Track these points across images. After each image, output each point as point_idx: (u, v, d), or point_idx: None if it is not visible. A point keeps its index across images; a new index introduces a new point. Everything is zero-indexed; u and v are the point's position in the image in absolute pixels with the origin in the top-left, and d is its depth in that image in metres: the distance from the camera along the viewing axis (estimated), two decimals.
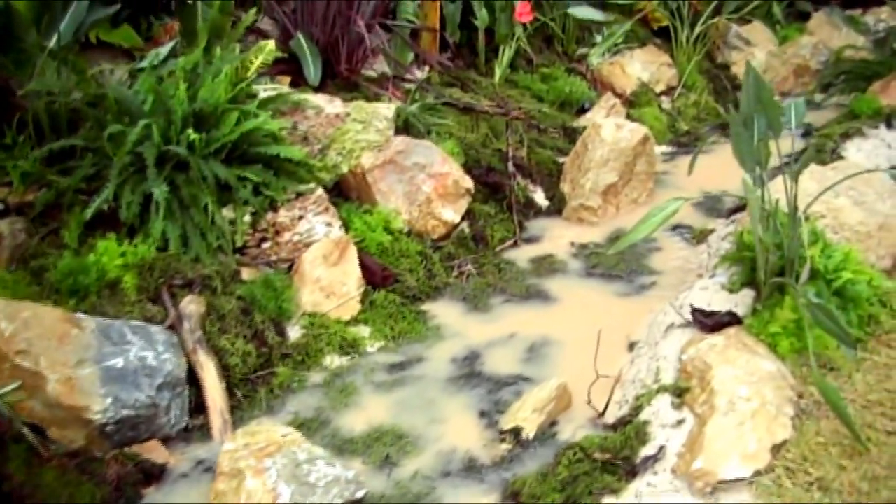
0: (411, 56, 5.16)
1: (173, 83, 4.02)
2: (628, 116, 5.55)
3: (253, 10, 4.53)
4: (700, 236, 4.48)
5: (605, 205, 4.66)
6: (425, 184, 4.30)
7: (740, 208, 4.65)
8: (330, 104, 4.52)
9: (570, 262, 4.34)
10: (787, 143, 5.56)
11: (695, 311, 3.49)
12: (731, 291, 3.78)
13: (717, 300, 3.74)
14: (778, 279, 3.48)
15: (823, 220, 4.09)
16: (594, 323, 3.75)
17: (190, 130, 3.89)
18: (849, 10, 7.07)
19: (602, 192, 4.62)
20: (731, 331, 3.43)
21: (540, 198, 4.83)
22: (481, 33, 5.38)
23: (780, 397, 3.09)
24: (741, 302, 3.71)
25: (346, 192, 4.43)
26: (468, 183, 4.41)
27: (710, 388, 3.09)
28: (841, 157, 5.24)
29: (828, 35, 6.83)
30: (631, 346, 3.69)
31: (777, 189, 4.30)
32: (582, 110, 5.51)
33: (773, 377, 3.16)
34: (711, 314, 3.48)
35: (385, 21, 5.06)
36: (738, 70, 6.55)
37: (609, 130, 4.70)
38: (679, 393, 3.15)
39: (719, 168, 5.35)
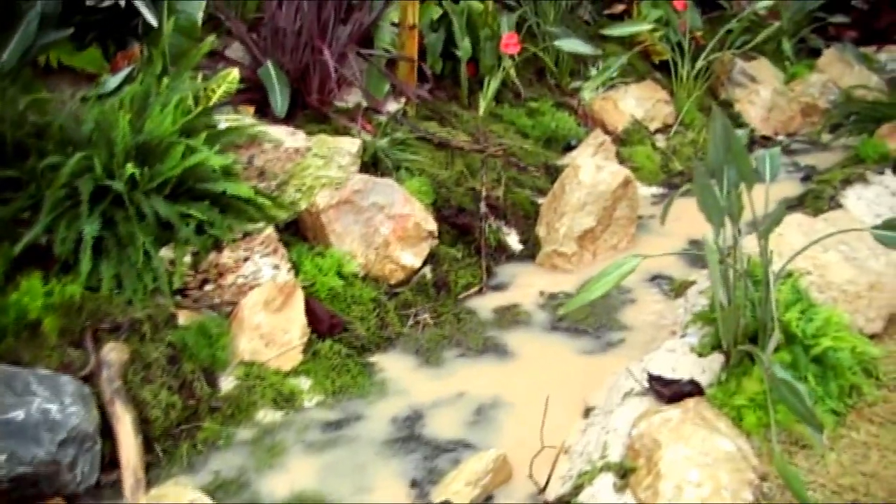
0: (387, 87, 4.87)
1: (121, 113, 3.78)
2: (618, 155, 5.23)
3: (211, 38, 4.28)
4: (679, 289, 4.17)
5: (581, 251, 4.35)
6: (383, 225, 4.02)
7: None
8: (291, 137, 4.25)
9: (536, 314, 4.04)
10: (784, 189, 5.33)
11: (652, 378, 3.18)
12: (701, 355, 3.47)
13: (684, 364, 3.43)
14: (745, 346, 3.15)
15: (809, 277, 3.76)
16: (551, 383, 3.51)
17: (129, 164, 3.63)
18: (863, 48, 6.69)
19: (578, 237, 4.32)
20: (691, 402, 3.12)
21: (514, 241, 4.53)
22: (463, 65, 5.10)
23: (737, 481, 2.77)
24: (709, 368, 3.40)
25: (303, 232, 4.17)
26: (431, 225, 4.12)
27: (657, 471, 2.79)
28: (839, 206, 4.90)
29: (839, 73, 6.48)
30: (587, 412, 3.38)
31: (755, 244, 4.00)
32: (568, 148, 5.21)
33: (731, 458, 2.85)
34: (670, 382, 3.17)
35: (360, 50, 4.79)
36: (742, 108, 6.23)
37: (587, 172, 4.40)
38: (623, 473, 2.85)
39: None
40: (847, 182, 5.02)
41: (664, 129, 5.72)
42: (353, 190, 4.03)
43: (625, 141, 5.43)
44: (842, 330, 3.41)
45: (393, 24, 4.97)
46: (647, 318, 3.98)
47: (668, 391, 3.11)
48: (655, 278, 4.29)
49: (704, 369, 3.37)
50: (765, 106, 6.21)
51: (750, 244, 3.93)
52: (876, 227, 3.14)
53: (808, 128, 6.28)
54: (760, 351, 2.93)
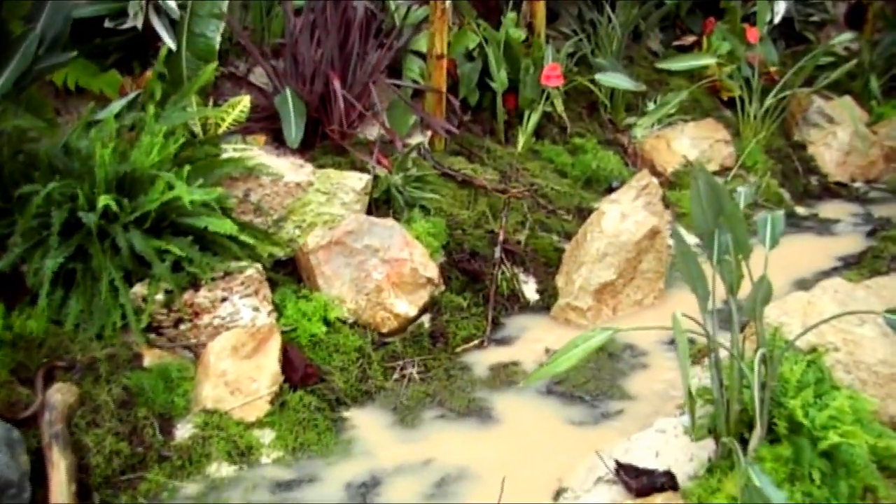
0: (412, 119, 4.56)
1: (100, 142, 3.60)
2: (664, 200, 4.77)
3: (213, 65, 4.06)
4: (699, 355, 3.69)
5: (599, 306, 3.94)
6: (376, 270, 3.72)
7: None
8: (294, 171, 4.01)
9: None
10: (845, 244, 4.78)
11: (621, 467, 2.77)
12: (694, 439, 3.02)
13: (671, 450, 3.02)
14: (727, 439, 2.72)
15: (835, 354, 3.26)
16: (529, 457, 3.19)
17: (105, 196, 3.43)
18: None
19: (595, 291, 3.92)
20: (660, 498, 2.69)
21: (530, 290, 4.16)
22: (499, 97, 4.74)
23: None
24: (698, 456, 2.97)
25: (298, 272, 3.89)
26: (430, 271, 3.80)
27: None
28: None
29: None
30: (557, 494, 2.99)
31: (784, 310, 3.53)
32: (609, 190, 4.79)
33: None
34: (642, 473, 2.77)
35: (386, 80, 4.50)
36: (815, 150, 5.69)
37: (610, 220, 4.00)
38: None
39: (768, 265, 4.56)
40: None
41: (722, 171, 5.22)
42: (346, 231, 3.74)
43: (674, 184, 4.97)
44: (859, 420, 2.92)
45: (418, 54, 4.65)
46: (655, 388, 3.55)
47: (637, 483, 2.71)
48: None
49: (692, 457, 2.96)
50: (842, 149, 5.64)
51: (774, 313, 3.47)
52: (890, 311, 2.66)
53: (892, 174, 5.66)
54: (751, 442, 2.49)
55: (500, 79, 4.72)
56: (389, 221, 3.89)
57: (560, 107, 5.04)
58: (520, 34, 4.95)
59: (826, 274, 4.45)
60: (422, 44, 4.63)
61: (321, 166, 4.33)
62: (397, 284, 3.76)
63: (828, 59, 5.95)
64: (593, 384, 3.58)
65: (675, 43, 6.08)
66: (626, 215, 4.03)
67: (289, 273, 3.95)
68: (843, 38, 5.66)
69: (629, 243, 3.97)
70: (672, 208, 4.83)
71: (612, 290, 4.00)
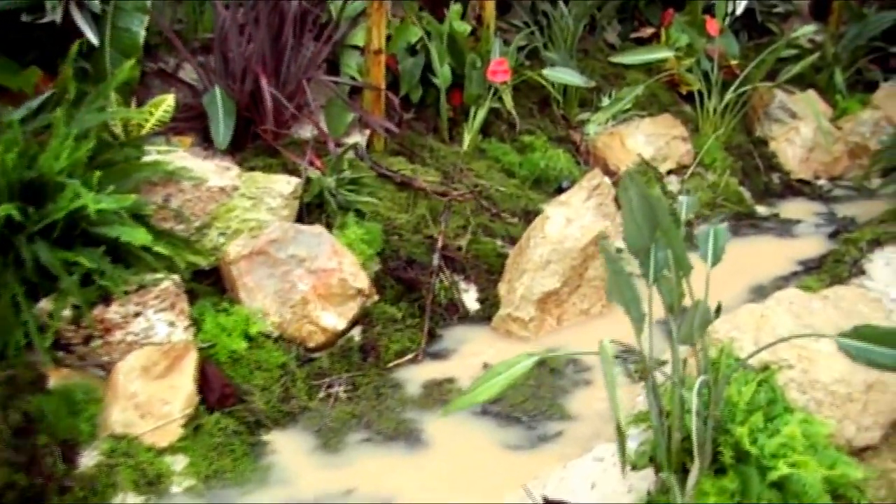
0: (350, 118, 4.32)
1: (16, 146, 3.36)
2: (617, 200, 4.55)
3: (131, 62, 3.80)
4: (646, 370, 3.47)
5: (543, 316, 3.74)
6: (302, 281, 3.49)
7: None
8: (219, 175, 3.78)
9: None
10: (806, 247, 4.57)
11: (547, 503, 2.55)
12: (635, 467, 2.83)
13: (608, 480, 2.83)
14: (665, 473, 2.52)
15: (789, 372, 3.06)
16: (458, 485, 3.00)
17: (7, 205, 3.19)
18: None
19: (538, 300, 3.71)
20: None
21: (471, 299, 3.94)
22: (443, 94, 4.51)
23: None
24: (637, 487, 2.77)
25: (223, 283, 3.65)
26: (361, 282, 3.57)
27: None
28: (862, 272, 4.14)
29: None
30: None
31: (735, 324, 3.32)
32: (559, 190, 4.57)
33: None
34: None
35: (322, 76, 4.26)
36: (777, 147, 5.49)
37: (555, 225, 3.80)
38: None
39: (723, 270, 4.35)
40: (877, 243, 4.27)
41: (679, 169, 5.01)
42: (269, 239, 3.51)
43: None
44: (815, 446, 2.74)
45: (356, 49, 4.41)
46: (598, 407, 3.35)
47: None
48: (622, 353, 3.63)
49: (631, 488, 2.76)
50: (805, 145, 5.44)
51: (724, 327, 3.26)
52: (844, 335, 2.46)
53: (857, 171, 5.47)
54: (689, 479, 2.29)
55: (443, 74, 4.49)
56: (317, 228, 3.67)
57: (509, 103, 4.82)
58: (465, 27, 4.72)
59: (785, 279, 4.27)
60: (360, 38, 4.40)
61: (252, 168, 4.10)
62: (324, 296, 3.54)
63: (791, 51, 5.73)
64: (532, 403, 3.38)
65: (633, 35, 5.86)
66: (571, 220, 3.82)
67: (213, 283, 3.73)
68: (805, 31, 5.46)
69: (574, 249, 3.76)
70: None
71: (556, 299, 3.79)
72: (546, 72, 4.66)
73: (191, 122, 4.29)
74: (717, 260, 2.74)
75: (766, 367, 3.04)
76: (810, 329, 3.21)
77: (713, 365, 3.04)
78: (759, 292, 4.11)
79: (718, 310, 3.72)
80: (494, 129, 4.83)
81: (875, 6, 6.17)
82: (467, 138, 4.66)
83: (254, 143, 4.26)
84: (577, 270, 3.82)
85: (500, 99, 4.85)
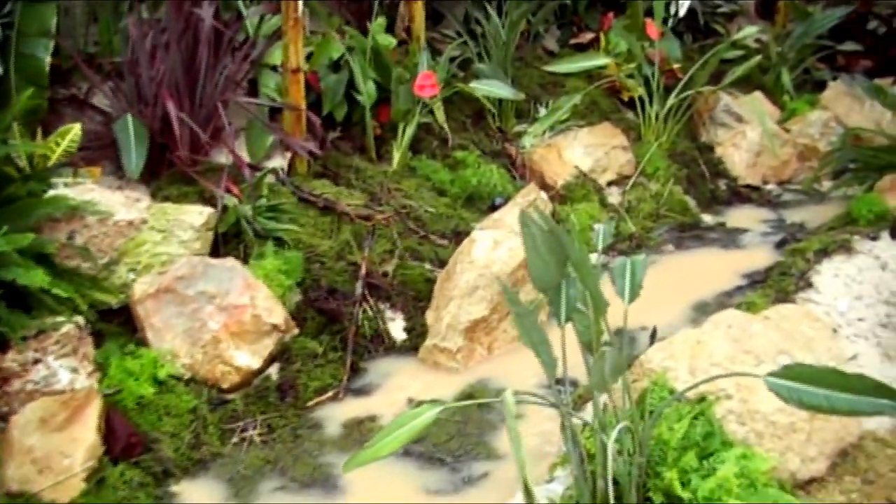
0: (270, 140, 4.16)
1: None
2: (554, 216, 4.42)
3: (29, 92, 3.63)
4: (579, 399, 3.36)
5: (472, 345, 3.60)
6: (213, 319, 3.35)
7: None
8: (127, 208, 3.62)
9: None
10: (754, 258, 4.44)
11: None
12: None
13: None
14: None
15: (728, 402, 2.93)
16: None
17: None
18: (880, 79, 5.71)
19: (466, 329, 3.57)
20: None
21: (397, 329, 3.80)
22: (367, 111, 4.35)
23: None
24: None
25: (134, 322, 3.48)
26: (276, 317, 3.42)
27: None
28: (810, 285, 4.01)
29: (846, 109, 5.56)
30: None
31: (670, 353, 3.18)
32: (493, 208, 4.43)
33: None
34: None
35: (238, 98, 4.09)
36: (724, 152, 5.37)
37: (482, 248, 3.66)
38: None
39: (665, 287, 4.21)
40: (824, 252, 4.13)
41: (620, 180, 4.88)
42: (176, 276, 3.35)
43: (565, 198, 4.61)
44: (755, 484, 2.62)
45: (275, 68, 4.26)
46: (528, 443, 3.19)
47: None
48: (557, 382, 3.47)
49: None
50: (752, 150, 5.33)
51: (658, 356, 3.11)
52: (773, 374, 2.32)
53: (806, 174, 5.35)
54: None
55: (367, 91, 4.33)
56: (229, 262, 3.51)
57: (441, 117, 4.68)
58: (390, 40, 4.57)
59: (729, 295, 4.13)
60: (278, 56, 4.22)
61: (166, 197, 3.95)
62: (237, 334, 3.38)
63: (737, 52, 5.61)
64: (457, 442, 3.24)
65: (572, 41, 5.72)
66: (499, 242, 3.68)
67: (123, 323, 3.56)
68: (749, 31, 5.34)
69: (502, 274, 3.62)
70: (563, 225, 4.47)
71: (485, 327, 3.65)
72: (474, 84, 4.52)
73: (104, 151, 4.13)
74: (634, 295, 2.60)
75: (702, 399, 2.91)
76: (750, 355, 3.08)
77: (645, 399, 2.91)
78: (703, 310, 3.98)
79: (653, 336, 3.62)
80: (425, 145, 4.69)
81: (821, 4, 6.06)
82: (396, 156, 4.51)
83: (170, 171, 4.10)
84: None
85: (432, 113, 4.70)
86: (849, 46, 6.03)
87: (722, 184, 5.31)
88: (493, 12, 5.00)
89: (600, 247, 2.86)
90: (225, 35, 4.21)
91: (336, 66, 4.45)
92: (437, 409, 2.35)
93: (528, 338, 2.39)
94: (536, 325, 2.39)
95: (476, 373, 3.64)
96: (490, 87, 4.51)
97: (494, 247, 3.69)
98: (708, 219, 5.01)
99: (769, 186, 5.40)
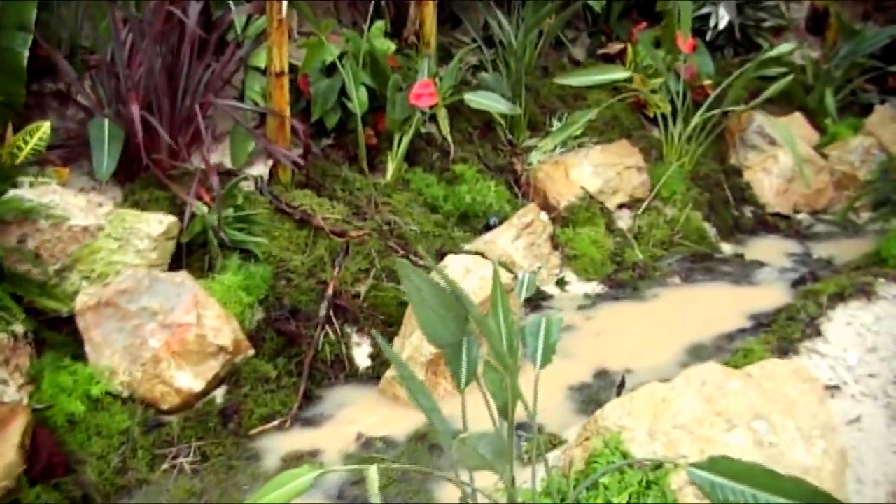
0: (252, 147, 3.98)
1: None
2: (553, 239, 4.15)
3: None
4: (539, 450, 3.07)
5: (436, 380, 3.39)
6: (154, 337, 3.18)
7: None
8: (84, 214, 3.46)
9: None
10: (767, 296, 4.09)
11: None
12: None
13: None
14: None
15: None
16: None
17: None
18: None
19: (429, 362, 3.37)
20: None
21: (363, 355, 3.59)
22: (358, 119, 4.13)
23: None
24: None
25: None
26: (224, 338, 3.25)
27: None
28: (818, 334, 3.65)
29: (893, 135, 5.19)
30: None
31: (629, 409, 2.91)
32: (487, 228, 4.17)
33: None
34: None
35: (220, 101, 3.91)
36: (752, 177, 5.02)
37: (451, 275, 3.36)
38: None
39: (661, 324, 3.92)
40: (840, 296, 3.77)
41: (632, 203, 4.57)
42: (119, 290, 3.19)
43: (568, 220, 4.32)
44: None
45: (263, 71, 4.06)
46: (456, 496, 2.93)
47: None
48: (519, 428, 3.22)
49: None
50: (784, 175, 4.97)
51: (615, 413, 2.83)
52: (696, 465, 2.03)
53: (842, 204, 4.96)
54: None
55: (358, 98, 4.12)
56: (179, 276, 3.33)
57: (445, 127, 4.43)
58: (388, 45, 4.34)
59: (730, 338, 3.80)
60: (263, 59, 4.02)
61: (136, 202, 3.81)
62: (179, 354, 3.21)
63: (779, 70, 5.23)
64: (395, 489, 3.04)
65: (600, 51, 5.41)
66: (470, 270, 3.43)
67: (72, 332, 3.39)
68: (783, 49, 4.98)
69: None
70: (562, 249, 4.21)
71: None
72: (469, 96, 4.26)
73: (83, 149, 3.98)
74: (546, 360, 2.32)
75: (658, 466, 2.62)
76: (721, 418, 2.78)
77: (593, 462, 2.65)
78: (697, 353, 3.68)
79: (621, 386, 3.33)
80: (424, 156, 4.45)
81: (876, 22, 5.63)
82: (390, 168, 4.29)
83: (146, 174, 3.93)
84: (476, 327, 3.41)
85: (436, 122, 4.46)
86: None
87: (748, 211, 4.96)
88: (503, 18, 4.73)
89: (521, 298, 2.59)
90: (213, 34, 4.03)
91: (330, 70, 4.24)
92: (315, 474, 2.12)
93: (417, 404, 2.14)
94: (423, 390, 2.14)
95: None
96: (485, 100, 4.26)
97: (465, 274, 3.44)
98: (727, 249, 4.67)
99: (800, 216, 5.03)
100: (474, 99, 4.26)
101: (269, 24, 3.87)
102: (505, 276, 3.50)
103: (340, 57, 4.17)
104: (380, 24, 4.37)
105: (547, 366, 2.34)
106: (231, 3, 4.10)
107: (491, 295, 2.21)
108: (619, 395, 3.13)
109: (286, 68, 3.93)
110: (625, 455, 2.63)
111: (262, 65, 4.10)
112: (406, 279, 1.99)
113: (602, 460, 2.64)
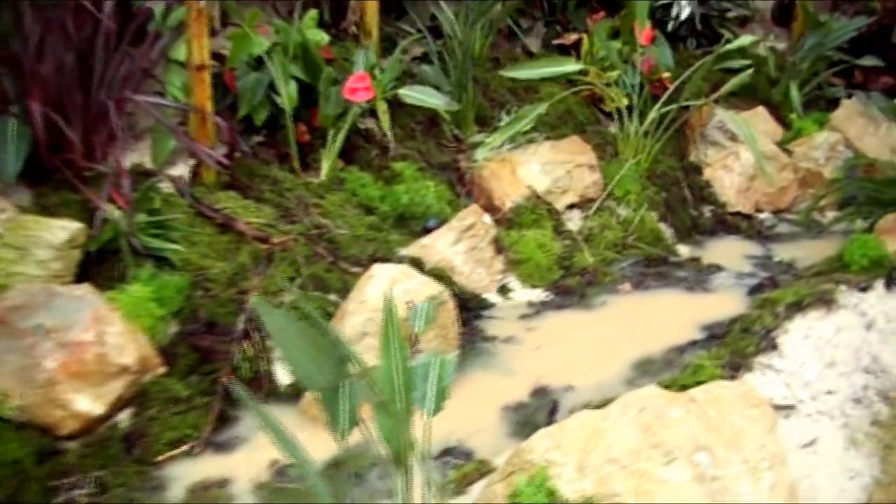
0: (173, 145, 3.72)
1: None
2: (496, 243, 3.91)
3: None
4: (463, 479, 2.87)
5: None
6: (50, 357, 2.96)
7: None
8: None
9: (244, 499, 2.82)
10: (724, 305, 3.86)
11: None
12: None
13: None
14: None
15: None
16: None
17: None
18: None
19: None
20: None
21: (284, 372, 3.35)
22: (288, 115, 3.87)
23: None
24: None
25: None
26: (128, 356, 3.03)
27: None
28: (774, 347, 3.42)
29: (859, 131, 4.96)
30: None
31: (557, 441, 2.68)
32: (425, 231, 3.92)
33: None
34: None
35: (136, 97, 3.65)
36: (712, 175, 4.80)
37: (376, 287, 3.18)
38: None
39: (608, 336, 3.69)
40: (798, 306, 3.53)
41: (584, 204, 4.34)
42: (10, 306, 2.97)
43: (513, 222, 4.08)
44: None
45: (180, 64, 3.80)
46: None
47: None
48: (447, 453, 3.01)
49: None
50: (746, 173, 4.75)
51: (542, 445, 2.60)
52: None
53: (807, 204, 4.74)
54: None
55: (288, 93, 3.86)
56: (80, 290, 3.10)
57: (386, 123, 4.18)
58: (322, 36, 4.08)
59: (680, 351, 3.57)
60: (182, 52, 3.76)
61: (45, 207, 3.56)
62: (78, 375, 2.98)
63: (744, 62, 5.00)
64: None
65: (556, 42, 5.16)
66: (396, 281, 3.18)
67: None
68: (743, 41, 4.77)
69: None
70: (506, 254, 3.97)
71: None
72: (403, 91, 4.01)
73: None
74: (437, 408, 2.08)
75: None
76: (659, 450, 2.55)
77: (515, 502, 2.42)
78: (645, 369, 3.46)
79: (553, 412, 3.10)
80: (362, 154, 4.21)
81: (839, 13, 5.40)
82: (325, 167, 4.04)
83: (60, 176, 3.67)
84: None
85: (376, 117, 4.21)
86: (868, 61, 5.37)
87: (707, 210, 4.73)
88: (447, 7, 4.46)
89: (418, 330, 2.35)
90: (131, 24, 3.76)
91: (260, 63, 3.98)
92: None
93: (283, 453, 1.91)
94: (284, 436, 1.91)
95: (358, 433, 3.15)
96: (420, 95, 4.02)
97: (391, 286, 3.20)
98: (684, 251, 4.45)
99: (762, 216, 4.80)
100: (409, 94, 4.02)
101: (188, 15, 3.61)
102: (434, 289, 3.26)
103: (270, 49, 3.91)
104: (313, 13, 4.12)
105: (439, 413, 2.10)
106: None
107: (382, 330, 1.98)
108: (549, 422, 2.91)
109: (207, 61, 3.68)
110: (551, 493, 2.41)
111: (183, 58, 3.84)
112: (266, 318, 1.76)
113: (524, 500, 2.41)
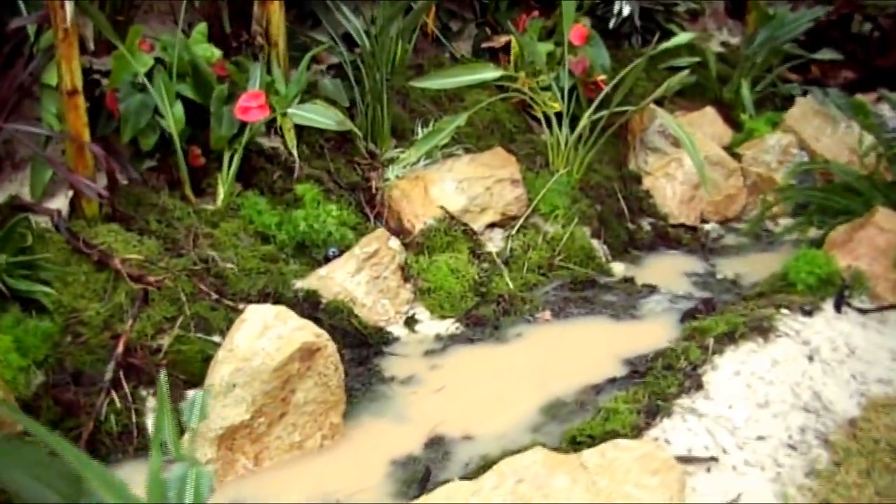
0: (49, 175, 3.57)
1: None
2: (403, 271, 3.74)
3: None
4: None
5: (232, 456, 3.02)
6: None
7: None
8: None
9: None
10: (654, 333, 3.65)
11: None
12: None
13: None
14: None
15: None
16: None
17: None
18: (863, 94, 4.86)
19: (220, 437, 2.98)
20: None
21: None
22: (176, 139, 3.71)
23: None
24: None
25: None
26: None
27: None
28: (700, 387, 3.24)
29: (815, 131, 4.77)
30: None
31: None
32: (326, 260, 3.76)
33: None
34: None
35: (6, 125, 3.50)
36: (653, 184, 4.62)
37: (247, 333, 3.01)
38: None
39: (517, 374, 3.51)
40: (730, 337, 3.37)
41: (506, 222, 4.14)
42: None
43: (423, 247, 3.90)
44: None
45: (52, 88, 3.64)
46: None
47: None
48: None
49: None
50: (689, 181, 4.58)
51: None
52: None
53: (756, 213, 4.56)
54: None
55: (174, 114, 3.69)
56: None
57: (291, 141, 4.01)
58: (212, 51, 3.90)
59: (597, 390, 3.36)
60: (54, 76, 3.60)
61: None
62: None
63: (689, 60, 4.81)
64: None
65: (485, 45, 4.97)
66: (269, 327, 3.02)
67: None
68: (681, 38, 4.54)
69: (265, 370, 2.98)
70: (414, 282, 3.81)
71: (249, 433, 3.04)
72: (292, 111, 3.84)
73: None
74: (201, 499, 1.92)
75: None
76: None
77: None
78: (554, 413, 3.28)
79: (425, 479, 2.92)
80: (263, 176, 4.05)
81: (794, 4, 5.19)
82: (221, 192, 3.88)
83: None
84: (275, 395, 3.04)
85: (282, 136, 4.04)
86: (825, 55, 5.15)
87: (646, 223, 4.54)
88: (350, 13, 4.27)
89: (192, 425, 2.18)
90: (3, 48, 3.61)
91: (144, 84, 3.80)
92: None
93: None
94: (94, 466, 1.76)
95: (235, 489, 3.03)
96: (308, 113, 3.85)
97: (263, 332, 3.04)
98: (619, 269, 4.27)
99: (708, 226, 4.62)
100: (298, 113, 3.85)
101: (55, 36, 3.44)
102: (310, 334, 3.09)
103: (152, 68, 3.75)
104: (201, 26, 3.95)
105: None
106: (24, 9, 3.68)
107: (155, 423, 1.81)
108: (419, 493, 2.74)
109: (79, 86, 3.51)
110: None
111: (55, 82, 3.67)
112: None
113: None
